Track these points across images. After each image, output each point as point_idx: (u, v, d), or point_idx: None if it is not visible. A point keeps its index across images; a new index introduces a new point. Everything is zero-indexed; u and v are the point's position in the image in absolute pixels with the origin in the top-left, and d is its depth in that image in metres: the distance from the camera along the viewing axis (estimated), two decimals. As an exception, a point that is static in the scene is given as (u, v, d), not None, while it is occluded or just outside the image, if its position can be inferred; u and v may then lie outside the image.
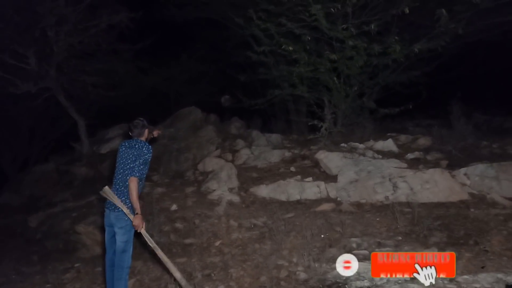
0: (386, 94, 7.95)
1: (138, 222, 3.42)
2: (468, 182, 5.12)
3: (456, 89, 7.12)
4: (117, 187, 3.57)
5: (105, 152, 9.35)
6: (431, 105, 7.82)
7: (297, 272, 3.91)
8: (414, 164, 5.67)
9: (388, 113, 6.68)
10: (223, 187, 6.45)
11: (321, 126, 6.25)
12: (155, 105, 14.07)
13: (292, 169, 6.65)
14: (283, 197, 5.92)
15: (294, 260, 4.12)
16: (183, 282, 3.60)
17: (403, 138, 6.62)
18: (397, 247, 3.92)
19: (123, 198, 3.51)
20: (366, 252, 3.92)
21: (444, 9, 5.47)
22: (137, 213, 3.42)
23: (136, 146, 3.59)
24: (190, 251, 4.89)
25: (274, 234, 4.77)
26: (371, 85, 7.06)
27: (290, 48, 5.78)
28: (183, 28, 12.79)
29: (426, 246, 3.88)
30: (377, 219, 4.76)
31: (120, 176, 3.58)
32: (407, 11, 5.22)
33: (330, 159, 6.28)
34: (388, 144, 6.34)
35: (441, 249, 3.80)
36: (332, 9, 5.67)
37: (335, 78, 6.45)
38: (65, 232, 6.21)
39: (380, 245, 4.03)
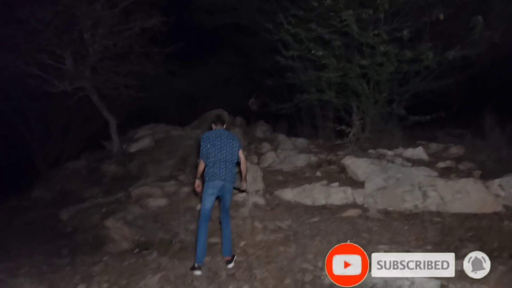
0: (416, 102, 7.79)
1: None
2: (502, 193, 4.95)
3: (489, 99, 6.92)
4: (230, 166, 4.59)
5: (134, 151, 9.59)
6: (462, 114, 7.60)
7: (322, 277, 3.88)
8: (445, 173, 5.54)
9: (419, 121, 6.56)
10: (248, 189, 6.47)
11: (349, 132, 6.19)
12: (183, 107, 14.34)
13: (318, 174, 6.63)
14: (308, 201, 5.90)
15: (319, 264, 4.09)
16: None
17: (433, 146, 6.49)
18: (426, 256, 3.82)
19: (234, 173, 4.66)
20: (394, 259, 3.84)
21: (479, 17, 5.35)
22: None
23: (232, 137, 4.67)
24: (215, 251, 4.93)
25: (299, 237, 4.76)
26: (401, 92, 6.95)
27: (320, 53, 5.78)
28: (212, 33, 13.03)
29: (456, 257, 3.77)
30: (406, 227, 4.67)
31: (230, 158, 4.59)
32: (442, 17, 5.13)
33: (357, 165, 6.22)
34: (418, 152, 6.22)
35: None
36: (363, 15, 5.64)
37: (364, 84, 6.39)
38: (94, 227, 6.39)
39: (408, 254, 3.94)
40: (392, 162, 6.07)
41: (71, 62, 8.01)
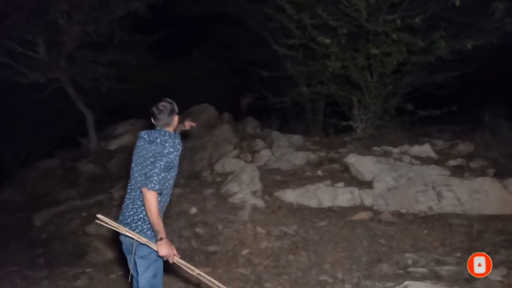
0: (417, 95, 7.45)
1: (166, 250, 2.40)
2: (521, 193, 4.66)
3: (495, 92, 6.66)
4: (132, 197, 2.59)
5: (113, 148, 8.90)
6: (464, 109, 7.24)
7: (345, 291, 3.45)
8: (457, 172, 5.22)
9: (428, 116, 6.22)
10: (245, 190, 5.97)
11: (357, 127, 5.79)
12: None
13: (319, 173, 6.19)
14: (312, 203, 5.45)
15: (339, 276, 3.66)
16: None
17: (440, 143, 6.18)
18: (459, 266, 3.46)
19: (141, 215, 2.51)
20: (424, 270, 3.45)
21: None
22: (161, 238, 2.39)
23: (158, 140, 2.52)
24: (215, 260, 4.43)
25: (309, 244, 4.32)
26: (405, 85, 6.60)
27: (327, 41, 5.32)
28: (195, 24, 12.35)
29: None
30: (425, 231, 4.30)
31: (135, 182, 2.58)
32: (457, 3, 4.77)
33: (362, 164, 5.82)
34: (426, 149, 5.89)
35: (511, 269, 3.34)
36: (371, 1, 5.20)
37: (368, 76, 6.00)
38: (73, 233, 5.74)
39: (439, 262, 3.56)
40: (400, 160, 5.72)
41: (44, 50, 7.22)
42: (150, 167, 2.46)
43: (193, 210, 5.53)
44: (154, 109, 2.63)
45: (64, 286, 4.36)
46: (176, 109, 2.69)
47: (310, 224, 4.79)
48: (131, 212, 2.55)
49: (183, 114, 10.14)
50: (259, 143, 7.68)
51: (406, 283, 3.12)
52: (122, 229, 2.48)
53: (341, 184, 5.62)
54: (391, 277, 3.44)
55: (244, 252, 4.51)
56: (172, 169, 2.57)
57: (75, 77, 8.02)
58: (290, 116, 10.74)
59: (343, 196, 5.38)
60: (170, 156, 2.49)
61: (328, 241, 4.33)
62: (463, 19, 5.44)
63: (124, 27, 8.13)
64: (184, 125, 3.37)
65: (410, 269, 3.51)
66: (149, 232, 2.49)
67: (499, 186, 4.72)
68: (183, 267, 2.63)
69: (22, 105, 10.87)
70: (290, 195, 5.67)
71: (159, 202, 2.50)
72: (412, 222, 4.59)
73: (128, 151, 8.96)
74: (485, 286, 3.17)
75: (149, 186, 2.39)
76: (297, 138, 7.67)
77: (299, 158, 6.74)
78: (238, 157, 7.33)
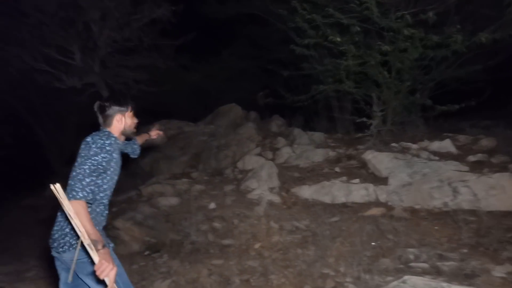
0: (440, 91, 7.29)
1: (104, 264, 1.90)
2: (541, 189, 4.49)
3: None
4: (60, 209, 2.29)
5: (146, 147, 9.39)
6: (486, 105, 6.96)
7: (345, 284, 3.54)
8: (476, 168, 5.09)
9: (446, 111, 6.09)
10: (263, 186, 6.16)
11: (370, 124, 5.78)
12: (196, 102, 14.07)
13: (337, 169, 6.25)
14: (327, 199, 5.54)
15: (342, 269, 3.75)
16: None
17: (462, 138, 6.01)
18: (462, 261, 3.44)
19: (67, 229, 2.26)
20: (425, 265, 3.47)
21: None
22: (99, 249, 1.95)
23: (89, 141, 2.19)
24: (228, 253, 4.65)
25: (318, 239, 4.43)
26: (425, 81, 6.48)
27: (338, 39, 5.37)
28: (224, 24, 12.69)
29: (497, 261, 3.38)
30: (436, 227, 4.27)
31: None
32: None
33: (379, 160, 5.81)
34: (446, 145, 5.77)
35: (516, 266, 3.29)
36: (381, -1, 5.19)
37: (385, 73, 5.96)
38: (104, 227, 6.18)
39: (441, 258, 3.57)
40: (418, 156, 5.65)
41: (80, 56, 7.79)
42: (73, 173, 2.11)
43: (212, 205, 5.80)
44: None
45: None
46: (114, 108, 2.36)
47: (322, 220, 4.88)
48: (58, 227, 2.31)
49: (212, 113, 10.57)
50: (281, 141, 7.83)
51: (405, 277, 3.16)
52: (65, 204, 1.94)
53: (357, 180, 5.65)
54: (391, 272, 3.50)
55: (256, 245, 4.69)
56: (104, 174, 2.25)
57: (109, 81, 8.57)
58: (318, 114, 10.78)
59: (357, 192, 5.41)
60: (97, 158, 2.15)
61: (337, 235, 4.42)
62: (484, 12, 5.27)
63: (153, 32, 8.58)
64: (150, 134, 3.19)
65: (411, 264, 3.54)
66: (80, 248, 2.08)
67: (518, 182, 4.58)
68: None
69: (65, 108, 11.69)
70: (306, 191, 5.79)
71: (92, 211, 2.25)
72: (425, 219, 4.56)
73: (159, 150, 9.46)
74: (486, 283, 3.16)
75: (70, 195, 2.02)
76: (318, 136, 7.74)
77: (318, 155, 6.82)
78: (259, 154, 7.52)
